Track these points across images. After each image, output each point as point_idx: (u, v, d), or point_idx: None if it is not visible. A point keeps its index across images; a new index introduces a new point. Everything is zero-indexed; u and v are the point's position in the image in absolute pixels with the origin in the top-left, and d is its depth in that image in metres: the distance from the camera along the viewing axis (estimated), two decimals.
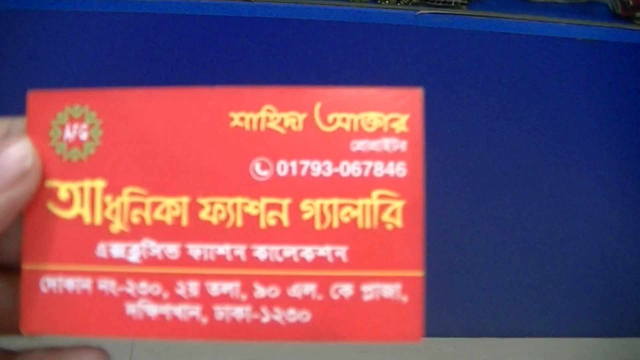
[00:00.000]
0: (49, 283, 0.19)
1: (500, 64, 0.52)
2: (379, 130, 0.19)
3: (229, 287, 0.19)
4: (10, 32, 0.47)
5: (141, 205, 0.19)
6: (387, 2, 0.49)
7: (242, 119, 0.19)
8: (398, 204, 0.19)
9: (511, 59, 0.51)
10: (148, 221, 0.19)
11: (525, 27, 0.51)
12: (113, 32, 0.48)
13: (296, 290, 0.19)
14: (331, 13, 0.46)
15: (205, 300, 0.19)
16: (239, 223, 0.19)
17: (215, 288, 0.19)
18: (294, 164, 0.19)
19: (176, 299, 0.19)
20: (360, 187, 0.19)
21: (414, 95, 0.19)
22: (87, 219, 0.19)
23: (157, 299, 0.19)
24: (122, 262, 0.19)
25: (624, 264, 0.64)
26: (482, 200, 0.59)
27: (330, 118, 0.19)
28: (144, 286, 0.19)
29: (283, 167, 0.19)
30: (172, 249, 0.19)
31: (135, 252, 0.19)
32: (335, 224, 0.19)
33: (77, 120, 0.19)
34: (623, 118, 0.56)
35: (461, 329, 0.68)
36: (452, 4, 0.49)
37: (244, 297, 0.19)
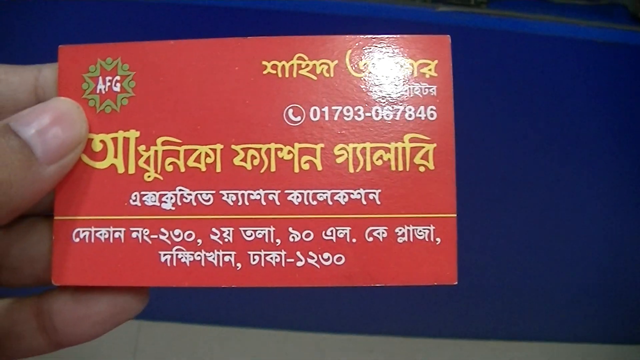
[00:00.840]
0: (81, 233, 0.19)
1: (518, 63, 0.52)
2: (409, 75, 0.19)
3: (264, 232, 0.19)
4: (16, 21, 0.47)
5: (175, 153, 0.19)
6: None
7: (275, 66, 0.19)
8: (429, 147, 0.19)
9: (529, 59, 0.51)
10: (182, 169, 0.19)
11: (544, 27, 0.51)
12: (121, 20, 0.48)
13: (331, 234, 0.19)
14: (348, 8, 0.47)
15: (240, 245, 0.19)
16: (273, 168, 0.19)
17: (249, 233, 0.19)
18: (326, 109, 0.19)
19: (211, 245, 0.19)
20: (392, 131, 0.19)
21: (443, 42, 0.19)
22: (120, 168, 0.19)
23: (191, 246, 0.19)
24: (156, 210, 0.19)
25: (635, 270, 0.63)
26: (491, 203, 0.59)
27: (361, 64, 0.19)
28: (178, 233, 0.19)
29: (316, 113, 0.19)
30: (206, 196, 0.19)
31: (169, 199, 0.19)
32: (368, 168, 0.19)
33: (109, 73, 0.20)
34: None
35: (467, 330, 0.67)
36: (472, 2, 0.50)
37: (278, 241, 0.19)
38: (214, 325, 0.67)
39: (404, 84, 0.19)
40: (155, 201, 0.19)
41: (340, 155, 0.19)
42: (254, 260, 0.19)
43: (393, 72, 0.19)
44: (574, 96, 0.53)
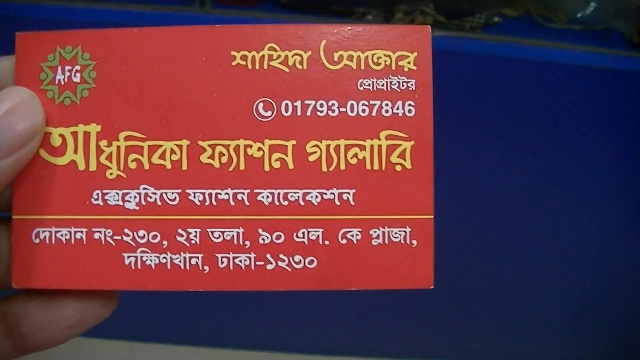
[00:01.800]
0: (42, 234, 0.18)
1: (513, 89, 0.51)
2: (387, 68, 0.18)
3: (232, 233, 0.18)
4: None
5: (139, 149, 0.18)
6: (401, 23, 0.49)
7: (244, 57, 0.18)
8: (407, 145, 0.18)
9: (524, 84, 0.51)
10: (146, 166, 0.18)
11: (539, 52, 0.50)
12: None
13: (302, 236, 0.18)
14: None
15: (207, 248, 0.18)
16: (242, 166, 0.18)
17: (217, 235, 0.18)
18: (298, 103, 0.18)
19: (177, 247, 0.18)
20: (367, 127, 0.18)
21: (423, 33, 0.18)
22: (81, 165, 0.18)
23: (156, 248, 0.18)
24: (119, 209, 0.18)
25: (633, 289, 0.63)
26: (490, 225, 0.58)
27: (336, 56, 0.18)
28: (143, 234, 0.18)
29: (287, 107, 0.18)
30: (172, 195, 0.18)
31: (132, 198, 0.18)
32: (342, 166, 0.18)
33: (69, 62, 0.18)
34: (639, 147, 0.55)
35: (462, 351, 0.67)
36: (467, 27, 0.49)
37: (247, 243, 0.18)
38: (206, 347, 0.67)
39: (381, 77, 0.18)
40: (118, 200, 0.18)
41: (313, 153, 0.18)
42: (222, 263, 0.18)
43: (370, 65, 0.18)
44: (571, 122, 0.52)
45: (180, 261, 0.18)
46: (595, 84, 0.51)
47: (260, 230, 0.18)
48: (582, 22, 0.53)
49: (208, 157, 0.18)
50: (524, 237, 0.59)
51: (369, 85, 0.18)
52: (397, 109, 0.18)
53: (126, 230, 0.18)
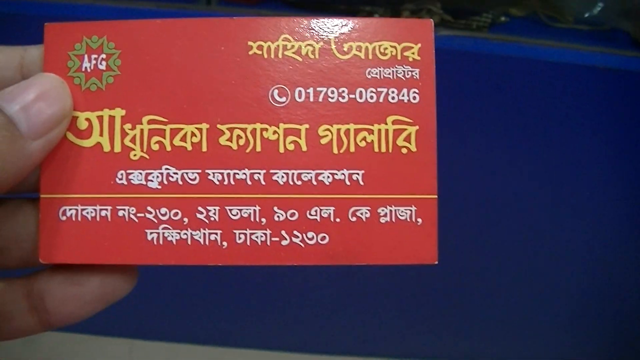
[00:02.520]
0: (68, 211, 0.19)
1: (519, 88, 0.51)
2: (393, 58, 0.20)
3: (249, 211, 0.19)
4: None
5: (161, 132, 0.19)
6: None
7: (260, 47, 0.19)
8: (412, 129, 0.19)
9: (531, 84, 0.51)
10: (168, 148, 0.19)
11: (545, 52, 0.51)
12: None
13: (315, 213, 0.19)
14: None
15: (226, 224, 0.19)
16: (258, 148, 0.19)
17: (235, 212, 0.19)
18: (311, 90, 0.19)
19: (197, 224, 0.19)
20: (375, 112, 0.19)
21: (426, 25, 0.20)
22: (106, 147, 0.19)
23: (177, 224, 0.19)
24: (142, 188, 0.19)
25: (634, 289, 0.63)
26: (490, 225, 0.58)
27: (345, 47, 0.20)
28: (164, 212, 0.19)
29: (301, 94, 0.19)
30: (193, 175, 0.19)
31: (155, 178, 0.19)
32: (352, 149, 0.19)
33: (95, 51, 0.20)
34: None
35: (461, 351, 0.68)
36: (473, 27, 0.50)
37: (263, 220, 0.19)
38: (206, 345, 0.68)
39: (387, 67, 0.20)
40: (141, 180, 0.19)
41: (324, 136, 0.19)
42: (239, 238, 0.19)
43: (377, 55, 0.20)
44: (575, 121, 0.53)
45: (200, 237, 0.19)
46: (601, 84, 0.52)
47: (275, 208, 0.19)
48: (589, 23, 0.54)
49: (226, 140, 0.19)
50: (525, 238, 0.60)
51: (376, 74, 0.20)
52: (403, 96, 0.20)
53: (149, 208, 0.19)
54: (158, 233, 0.19)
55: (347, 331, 0.67)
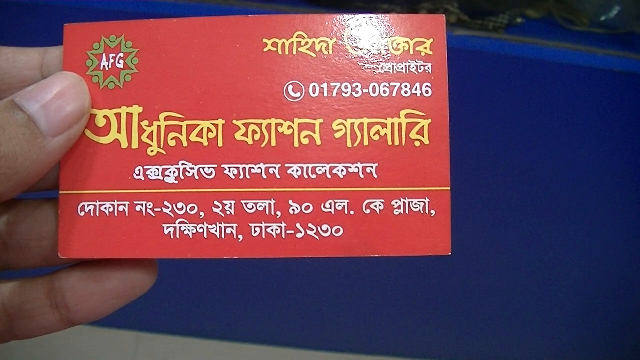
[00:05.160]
0: (86, 207, 0.20)
1: (534, 90, 0.51)
2: (405, 53, 0.20)
3: (264, 204, 0.20)
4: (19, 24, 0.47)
5: (177, 128, 0.20)
6: None
7: (275, 44, 0.20)
8: (425, 122, 0.20)
9: (545, 85, 0.51)
10: (184, 143, 0.20)
11: (561, 54, 0.51)
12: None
13: (329, 206, 0.20)
14: None
15: (241, 217, 0.19)
16: (273, 143, 0.20)
17: (250, 206, 0.20)
18: (325, 85, 0.20)
19: (213, 218, 0.20)
20: (388, 106, 0.20)
21: (438, 20, 0.20)
22: (124, 143, 0.20)
23: (194, 218, 0.20)
24: (159, 183, 0.20)
25: (636, 290, 0.63)
26: (506, 232, 0.58)
27: (358, 42, 0.20)
28: (181, 206, 0.20)
29: (315, 89, 0.20)
30: (209, 169, 0.20)
31: (172, 173, 0.20)
32: (366, 142, 0.20)
33: (113, 50, 0.20)
34: None
35: (462, 352, 0.67)
36: (490, 27, 0.50)
37: (278, 214, 0.19)
38: (213, 339, 0.68)
39: (400, 61, 0.20)
40: (158, 175, 0.20)
41: (338, 130, 0.20)
42: (255, 232, 0.19)
43: (390, 50, 0.20)
44: (589, 124, 0.53)
45: (216, 230, 0.20)
46: (616, 87, 0.52)
47: (290, 201, 0.20)
48: (605, 26, 0.54)
49: (242, 135, 0.20)
50: (525, 238, 0.60)
51: (389, 68, 0.20)
52: (415, 90, 0.20)
53: (166, 203, 0.20)
54: (175, 227, 0.20)
55: (357, 329, 0.67)
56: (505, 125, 0.53)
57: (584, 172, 0.55)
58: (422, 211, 0.20)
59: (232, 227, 0.20)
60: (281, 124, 0.20)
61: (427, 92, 0.20)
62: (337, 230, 0.20)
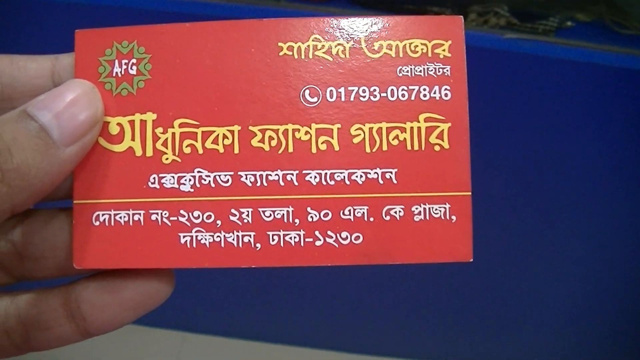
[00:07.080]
0: (101, 216, 0.19)
1: (584, 93, 0.52)
2: (424, 55, 0.20)
3: (282, 212, 0.19)
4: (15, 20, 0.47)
5: (193, 135, 0.19)
6: (474, 23, 0.50)
7: (291, 48, 0.20)
8: (444, 126, 0.19)
9: (595, 89, 0.51)
10: (200, 150, 0.19)
11: (611, 58, 0.50)
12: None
13: (348, 213, 0.19)
14: None
15: (259, 226, 0.19)
16: (291, 149, 0.19)
17: (268, 214, 0.19)
18: (342, 90, 0.19)
19: (230, 226, 0.19)
20: (407, 110, 0.19)
21: (456, 22, 0.20)
22: (138, 151, 0.20)
23: (210, 227, 0.19)
24: (175, 192, 0.19)
25: (636, 290, 0.63)
26: (530, 234, 0.58)
27: (376, 45, 0.20)
28: (197, 215, 0.19)
29: (332, 94, 0.19)
30: (225, 177, 0.19)
31: (187, 181, 0.19)
32: (385, 147, 0.19)
33: (125, 56, 0.20)
34: None
35: (462, 352, 0.67)
36: (539, 31, 0.50)
37: (297, 221, 0.19)
38: (259, 342, 0.68)
39: (418, 64, 0.20)
40: (173, 183, 0.19)
41: (357, 135, 0.19)
42: (273, 240, 0.19)
43: (407, 52, 0.20)
44: (638, 128, 0.52)
45: (233, 239, 0.19)
46: None
47: (308, 209, 0.19)
48: None
49: (258, 141, 0.19)
50: (525, 238, 0.59)
51: (407, 71, 0.20)
52: (434, 93, 0.20)
53: (182, 211, 0.19)
54: (191, 236, 0.19)
55: (360, 329, 0.67)
56: (543, 130, 0.53)
57: (625, 178, 0.55)
58: (442, 217, 0.19)
59: (249, 235, 0.19)
60: (298, 130, 0.20)
61: (446, 95, 0.20)
62: (357, 238, 0.19)
